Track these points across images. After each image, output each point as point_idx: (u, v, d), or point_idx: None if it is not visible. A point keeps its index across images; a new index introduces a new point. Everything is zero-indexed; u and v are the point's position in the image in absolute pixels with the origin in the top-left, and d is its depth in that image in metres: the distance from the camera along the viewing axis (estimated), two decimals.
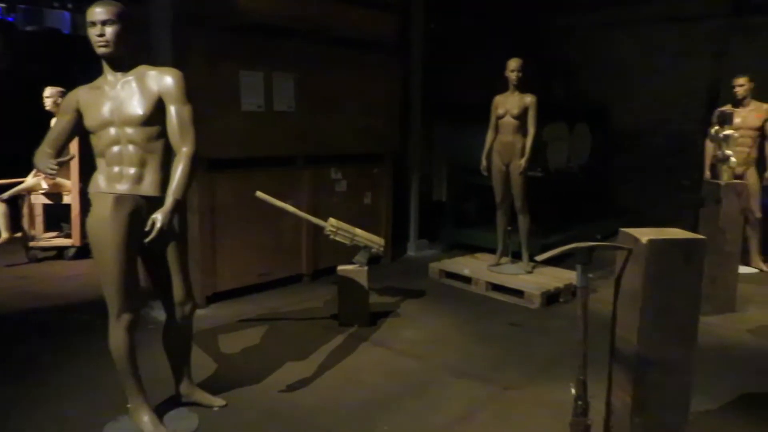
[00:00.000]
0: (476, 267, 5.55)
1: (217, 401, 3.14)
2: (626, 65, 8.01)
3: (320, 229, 4.42)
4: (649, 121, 7.92)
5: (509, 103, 5.23)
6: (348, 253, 4.45)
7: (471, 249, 6.23)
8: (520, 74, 5.18)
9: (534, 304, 4.82)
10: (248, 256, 4.92)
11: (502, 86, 5.29)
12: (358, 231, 4.37)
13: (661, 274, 2.27)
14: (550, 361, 3.74)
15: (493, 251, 5.69)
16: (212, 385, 3.29)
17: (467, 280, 5.35)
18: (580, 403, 2.40)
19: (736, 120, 5.52)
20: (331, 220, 4.32)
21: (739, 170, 5.54)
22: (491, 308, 4.85)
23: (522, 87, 5.23)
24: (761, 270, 5.92)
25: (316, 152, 5.39)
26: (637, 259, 2.31)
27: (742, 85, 5.67)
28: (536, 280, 5.17)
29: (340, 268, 4.36)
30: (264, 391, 3.32)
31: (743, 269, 5.59)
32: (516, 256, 5.57)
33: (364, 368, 3.66)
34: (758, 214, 5.79)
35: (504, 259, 5.57)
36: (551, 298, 4.90)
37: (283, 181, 5.09)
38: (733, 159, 4.87)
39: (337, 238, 4.31)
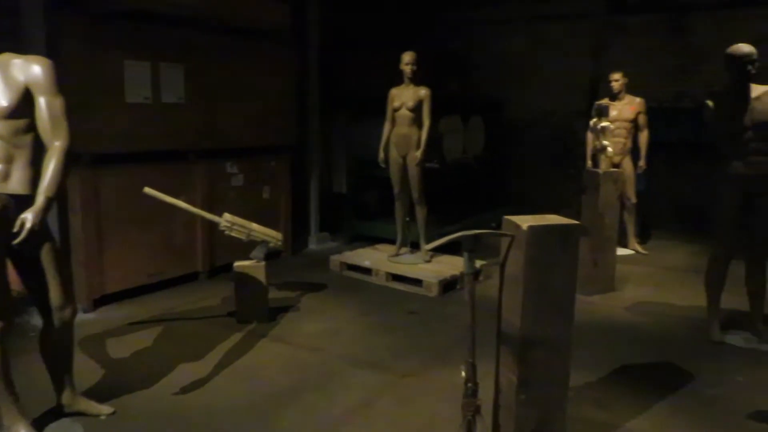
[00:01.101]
0: (377, 258, 5.61)
1: (105, 409, 2.98)
2: (517, 60, 8.36)
3: (216, 225, 4.30)
4: (538, 113, 8.33)
5: (405, 96, 5.32)
6: (246, 248, 4.36)
7: (372, 240, 6.30)
8: (415, 67, 5.27)
9: (432, 292, 4.94)
10: (138, 255, 4.69)
11: (399, 79, 5.37)
12: (255, 226, 4.29)
13: (540, 258, 2.40)
14: (447, 346, 3.86)
15: (393, 242, 5.78)
16: (99, 393, 3.13)
17: (368, 271, 5.40)
18: (469, 385, 2.49)
19: (613, 113, 5.92)
20: (226, 216, 4.20)
21: (616, 159, 5.97)
22: (391, 298, 4.92)
23: (417, 80, 5.33)
24: (637, 251, 6.41)
25: (209, 146, 5.21)
26: (519, 244, 2.42)
27: (617, 80, 6.09)
28: (434, 268, 5.31)
29: (236, 264, 4.27)
30: (156, 396, 3.19)
31: (621, 251, 6.04)
32: (415, 246, 5.69)
33: (262, 365, 3.61)
34: (634, 200, 6.25)
35: (403, 250, 5.67)
36: (448, 285, 5.05)
37: (175, 177, 4.90)
38: (610, 149, 5.22)
39: (233, 234, 4.20)
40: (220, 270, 5.31)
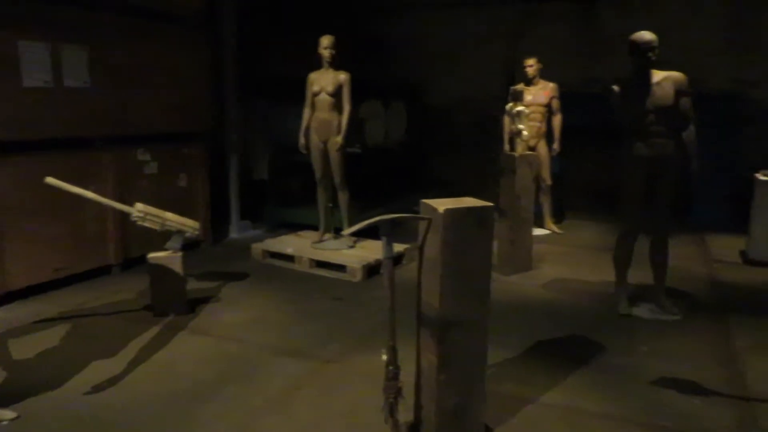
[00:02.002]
0: (300, 245, 5.55)
1: (7, 414, 2.80)
2: (437, 46, 8.45)
3: (128, 215, 4.10)
4: (458, 98, 8.47)
5: (324, 81, 5.25)
6: (163, 239, 4.19)
7: (295, 227, 6.22)
8: (333, 51, 5.21)
9: (356, 278, 4.95)
10: (43, 249, 4.42)
11: (319, 63, 5.29)
12: (169, 215, 4.12)
13: (456, 240, 2.44)
14: (371, 331, 3.88)
15: (316, 228, 5.73)
16: (1, 398, 2.92)
17: (291, 258, 5.34)
18: (391, 368, 2.51)
19: (528, 97, 6.11)
20: (138, 205, 4.01)
21: (531, 143, 6.17)
22: (315, 285, 4.89)
23: (336, 64, 5.27)
24: (553, 231, 6.68)
25: (118, 132, 4.96)
26: (436, 227, 2.45)
27: (531, 65, 6.27)
28: (358, 254, 5.31)
29: (150, 255, 4.09)
30: (65, 397, 3.02)
31: (538, 231, 6.27)
32: (339, 232, 5.66)
33: (180, 358, 3.50)
34: (549, 182, 6.49)
35: (327, 236, 5.64)
36: (372, 270, 5.06)
37: (81, 166, 4.63)
38: (525, 132, 5.38)
39: (146, 224, 4.02)
40: (135, 262, 5.09)
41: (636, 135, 4.03)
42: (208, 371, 3.33)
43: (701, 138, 4.32)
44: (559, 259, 5.68)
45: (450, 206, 2.44)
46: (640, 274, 4.49)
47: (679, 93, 3.91)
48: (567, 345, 3.79)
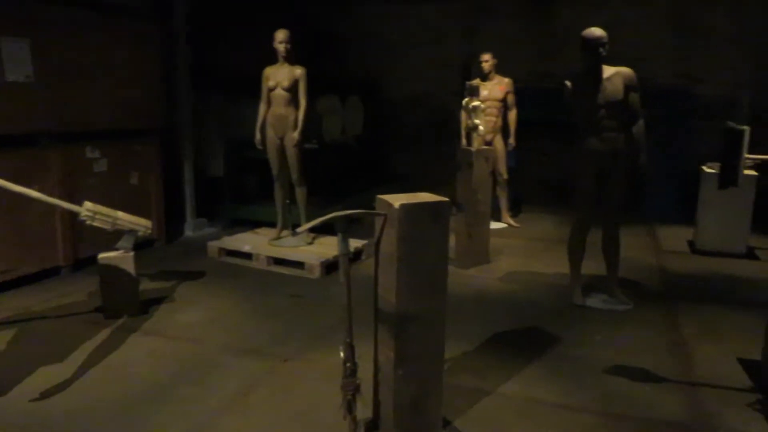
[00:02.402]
0: (257, 242, 5.48)
1: None
2: (393, 40, 8.45)
3: (77, 215, 3.96)
4: (415, 93, 8.49)
5: (279, 75, 5.19)
6: (115, 239, 4.06)
7: (252, 224, 6.13)
8: (289, 46, 5.15)
9: (315, 274, 4.91)
10: None
11: (275, 58, 5.21)
12: (121, 214, 4.00)
13: (412, 235, 2.44)
14: (330, 327, 3.85)
15: (274, 225, 5.66)
16: None
17: (248, 256, 5.26)
18: (348, 364, 2.50)
19: (484, 92, 6.17)
20: (87, 204, 3.88)
21: (488, 137, 6.23)
22: (273, 282, 4.83)
23: (292, 59, 5.21)
24: (509, 224, 6.77)
25: (64, 129, 4.78)
26: (392, 222, 2.44)
27: (487, 61, 6.33)
28: (316, 250, 5.28)
29: (101, 255, 3.97)
30: (10, 404, 2.91)
31: (494, 225, 6.34)
32: (296, 229, 5.60)
33: (133, 360, 3.41)
34: (505, 176, 6.57)
35: (285, 232, 5.57)
36: (331, 266, 5.03)
37: (25, 163, 4.46)
38: (481, 127, 5.42)
39: (96, 224, 3.89)
40: (86, 263, 4.93)
41: (588, 129, 4.11)
42: (162, 373, 3.26)
43: (650, 132, 4.43)
44: (516, 251, 5.77)
45: (405, 201, 2.44)
46: (593, 265, 4.59)
47: (628, 88, 4.00)
48: (523, 336, 3.85)
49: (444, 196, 2.57)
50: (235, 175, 6.67)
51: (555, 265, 5.08)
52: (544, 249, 5.84)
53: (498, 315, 4.18)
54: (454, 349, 3.48)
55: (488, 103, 6.20)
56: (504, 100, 6.42)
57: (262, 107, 5.31)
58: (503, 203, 6.74)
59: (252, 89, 5.43)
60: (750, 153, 4.07)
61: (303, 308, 4.28)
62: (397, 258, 2.43)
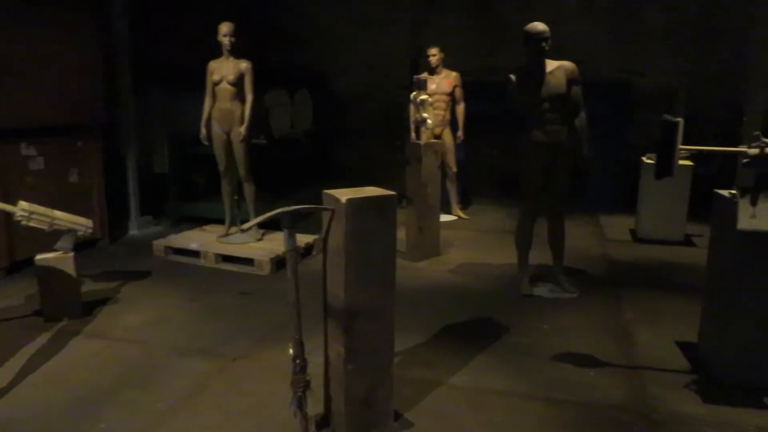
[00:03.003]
0: (205, 240, 5.37)
1: None
2: (341, 33, 8.39)
3: (11, 215, 3.78)
4: (364, 87, 8.47)
5: (224, 69, 5.09)
6: (55, 239, 3.90)
7: (199, 222, 6.00)
8: (234, 39, 5.05)
9: (264, 271, 4.85)
10: None
11: (219, 51, 5.10)
12: (59, 213, 3.85)
13: (359, 230, 2.43)
14: (280, 324, 3.81)
15: (222, 222, 5.56)
16: None
17: (196, 254, 5.15)
18: (298, 361, 2.48)
19: (432, 86, 6.20)
20: (22, 204, 3.71)
21: (436, 131, 6.28)
22: (222, 280, 4.75)
23: (237, 52, 5.11)
24: (459, 217, 6.85)
25: None
26: (339, 217, 2.43)
27: (434, 54, 6.37)
28: (266, 246, 5.21)
29: (38, 257, 3.81)
30: None
31: (445, 217, 6.41)
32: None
33: (75, 365, 3.29)
34: (454, 169, 6.64)
35: (233, 229, 5.48)
36: (281, 262, 4.97)
37: None
38: (429, 121, 5.45)
39: (32, 224, 3.73)
40: (23, 264, 4.72)
41: (532, 122, 4.19)
42: (106, 377, 3.16)
43: (593, 125, 4.55)
44: (466, 243, 5.84)
45: (351, 196, 2.43)
46: (540, 255, 4.70)
47: (570, 82, 4.10)
48: (473, 327, 3.90)
49: (394, 189, 2.58)
50: (180, 172, 6.51)
51: (504, 256, 5.17)
52: (493, 240, 5.93)
53: (448, 306, 4.23)
54: (405, 342, 3.51)
55: (436, 97, 6.25)
56: (452, 94, 6.48)
57: (207, 102, 5.20)
58: (453, 196, 6.81)
59: (197, 83, 5.31)
60: (686, 144, 4.25)
61: (253, 306, 4.22)
62: (345, 253, 2.42)
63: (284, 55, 8.29)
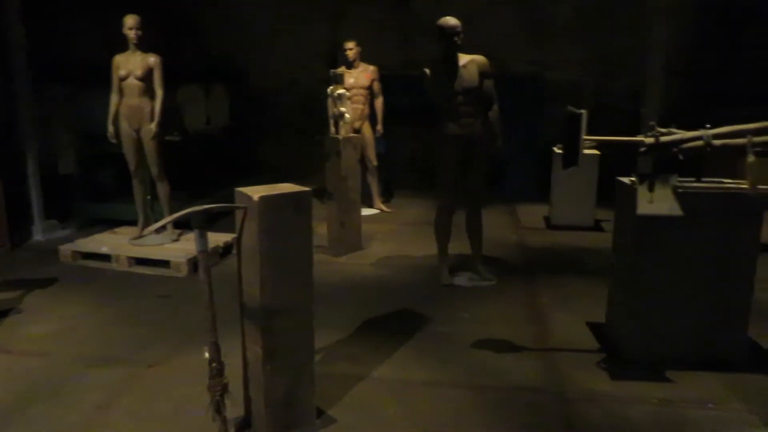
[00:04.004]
0: (116, 243, 5.13)
1: None
2: (257, 27, 8.22)
3: None
4: (282, 81, 8.35)
5: (131, 64, 4.87)
6: None
7: (111, 224, 5.72)
8: (140, 32, 4.84)
9: (182, 272, 4.70)
10: None
11: (126, 45, 4.87)
12: None
13: (274, 228, 2.39)
14: (198, 328, 3.64)
15: (135, 223, 5.33)
16: None
17: (108, 258, 4.92)
18: (214, 364, 2.41)
19: (350, 80, 6.20)
20: None
21: (356, 125, 6.28)
22: (136, 285, 4.55)
23: (145, 46, 4.90)
24: (382, 210, 6.89)
25: None
26: (252, 215, 2.38)
27: (351, 48, 6.35)
28: (183, 247, 5.04)
29: None
30: None
31: (367, 211, 6.44)
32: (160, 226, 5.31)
33: None
34: (375, 163, 6.66)
35: (147, 230, 5.26)
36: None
37: None
38: (347, 115, 5.44)
39: None
40: None
41: (448, 115, 4.27)
42: (10, 393, 2.96)
43: (507, 117, 4.69)
44: (388, 236, 5.88)
45: (265, 193, 2.39)
46: (459, 246, 4.80)
47: (483, 75, 4.20)
48: (395, 319, 3.94)
49: (315, 185, 2.56)
50: (88, 172, 6.18)
51: (425, 247, 5.24)
52: (414, 232, 6.00)
53: (371, 300, 4.24)
54: (327, 338, 3.50)
55: (355, 91, 6.24)
56: (370, 88, 6.48)
57: (113, 98, 4.96)
58: (374, 189, 6.84)
59: (104, 79, 5.05)
60: (593, 134, 4.45)
61: (170, 309, 4.07)
62: (260, 251, 2.38)
63: (198, 49, 8.02)
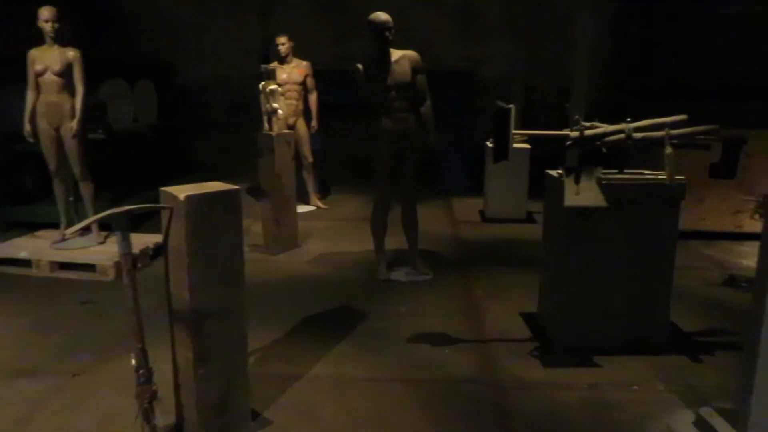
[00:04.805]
0: (38, 247, 4.87)
1: None
2: (186, 20, 7.97)
3: None
4: (213, 77, 8.14)
5: (48, 59, 4.61)
6: None
7: (31, 227, 5.42)
8: (57, 25, 4.59)
9: (108, 276, 4.51)
10: None
11: (42, 38, 4.61)
12: None
13: (201, 228, 2.32)
14: (126, 333, 3.51)
15: (57, 226, 5.07)
16: None
17: (28, 263, 4.66)
18: (142, 371, 2.32)
19: (283, 76, 6.11)
20: None
21: (290, 121, 6.20)
22: (59, 290, 4.34)
23: (62, 39, 4.65)
24: (318, 207, 6.83)
25: None
26: (179, 216, 2.31)
27: (283, 43, 6.25)
28: (109, 250, 4.83)
29: None
30: None
31: (303, 208, 6.38)
32: (86, 228, 5.08)
33: None
34: (310, 159, 6.60)
35: (68, 232, 5.01)
36: None
37: None
38: (280, 111, 5.35)
39: None
40: None
41: (381, 111, 4.27)
42: None
43: (441, 112, 4.74)
44: (325, 233, 5.84)
45: (191, 193, 2.31)
46: (396, 240, 4.82)
47: (415, 70, 4.22)
48: (333, 317, 3.91)
49: (249, 183, 2.49)
50: (6, 173, 5.83)
51: (362, 243, 5.22)
52: (352, 228, 5.98)
53: (308, 298, 4.20)
54: (262, 338, 3.44)
55: (288, 87, 6.16)
56: (304, 83, 6.41)
57: (29, 95, 4.69)
58: (311, 186, 6.77)
59: (16, 74, 4.76)
60: (525, 129, 4.56)
61: (95, 316, 3.90)
62: (187, 253, 2.30)
63: (122, 43, 7.70)
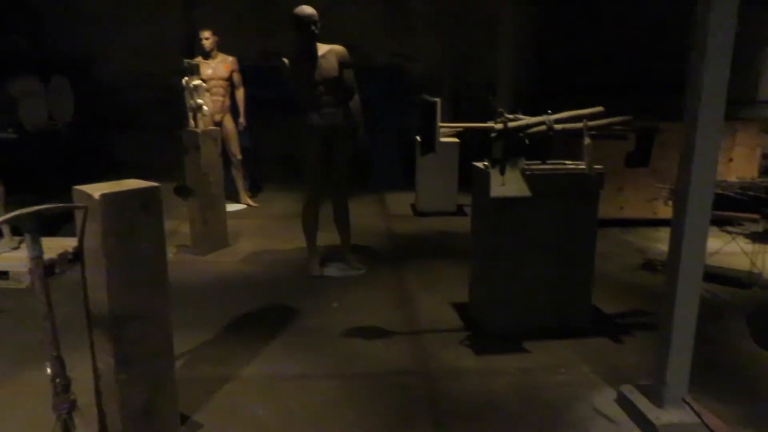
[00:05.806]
0: None
1: None
2: (103, 13, 7.63)
3: None
4: (134, 73, 7.83)
5: None
6: None
7: None
8: None
9: (24, 283, 4.26)
10: None
11: None
12: None
13: (119, 227, 2.22)
14: (43, 343, 3.36)
15: None
16: None
17: None
18: (58, 380, 2.20)
19: (208, 71, 5.95)
20: None
21: (217, 117, 6.05)
22: None
23: None
24: (249, 205, 6.70)
25: None
26: (94, 215, 2.20)
27: (207, 38, 6.08)
28: (24, 255, 4.54)
29: None
30: None
31: (233, 207, 6.24)
32: None
33: None
34: (239, 156, 6.46)
35: None
36: (47, 271, 4.38)
37: None
38: (205, 107, 5.20)
39: None
40: None
41: (309, 106, 4.23)
42: None
43: (371, 107, 4.74)
44: (256, 231, 5.74)
45: (107, 191, 2.21)
46: (328, 236, 4.79)
47: (342, 65, 4.20)
48: (264, 316, 3.85)
49: (175, 181, 2.40)
50: None
51: (294, 240, 5.17)
52: (283, 226, 5.91)
53: (238, 298, 4.11)
54: (191, 340, 3.35)
55: (213, 83, 6.00)
56: (230, 79, 6.26)
57: None
58: (240, 184, 6.63)
59: None
60: (455, 122, 4.62)
61: (8, 324, 3.67)
62: (104, 254, 2.20)
63: (33, 37, 7.28)
